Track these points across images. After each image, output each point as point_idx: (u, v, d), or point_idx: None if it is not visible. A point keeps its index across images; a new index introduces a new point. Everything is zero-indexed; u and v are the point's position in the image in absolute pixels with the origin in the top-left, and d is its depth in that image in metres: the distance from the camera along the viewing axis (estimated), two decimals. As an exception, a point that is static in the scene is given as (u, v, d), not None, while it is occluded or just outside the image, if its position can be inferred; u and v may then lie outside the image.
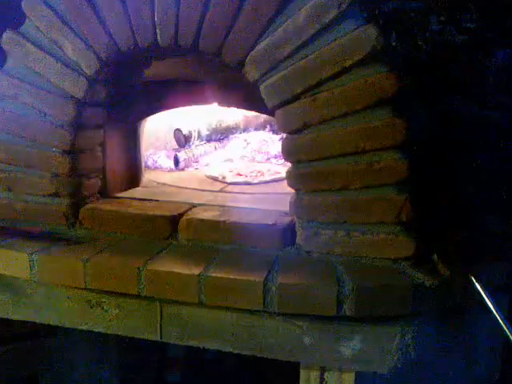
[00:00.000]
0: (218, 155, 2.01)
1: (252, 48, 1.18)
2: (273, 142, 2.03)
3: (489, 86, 1.70)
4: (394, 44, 1.78)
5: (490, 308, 1.11)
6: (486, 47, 1.70)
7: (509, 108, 1.68)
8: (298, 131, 1.19)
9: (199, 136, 1.94)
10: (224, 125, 2.01)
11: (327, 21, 1.12)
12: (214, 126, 1.99)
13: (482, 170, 1.57)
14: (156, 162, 1.88)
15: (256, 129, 2.06)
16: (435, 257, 1.18)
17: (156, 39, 1.24)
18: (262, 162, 1.95)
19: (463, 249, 1.29)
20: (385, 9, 1.74)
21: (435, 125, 1.56)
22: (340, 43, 1.13)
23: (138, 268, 1.17)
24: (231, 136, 2.08)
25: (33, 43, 1.32)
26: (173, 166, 1.84)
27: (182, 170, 1.85)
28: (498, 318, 1.10)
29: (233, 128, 2.03)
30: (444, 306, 1.18)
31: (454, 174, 1.51)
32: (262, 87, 1.20)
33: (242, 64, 1.20)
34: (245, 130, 2.05)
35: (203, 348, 1.26)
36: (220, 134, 2.03)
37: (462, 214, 1.39)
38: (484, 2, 1.67)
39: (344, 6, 1.11)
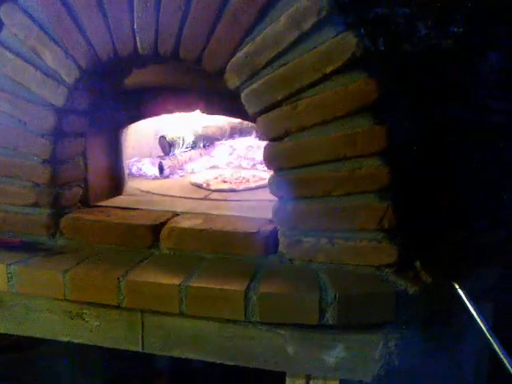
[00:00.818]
0: (204, 162, 2.00)
1: (232, 55, 1.18)
2: (259, 148, 2.02)
3: (479, 88, 1.71)
4: (381, 49, 1.78)
5: (472, 315, 1.10)
6: (474, 51, 1.70)
7: (500, 110, 1.68)
8: (279, 138, 1.19)
9: (184, 143, 1.93)
10: (209, 131, 2.00)
11: (307, 28, 1.12)
12: (199, 133, 1.98)
13: (470, 174, 1.57)
14: (140, 170, 1.87)
15: (242, 135, 2.06)
16: (418, 264, 1.18)
17: (136, 47, 1.24)
18: (247, 169, 1.94)
19: (447, 255, 1.28)
20: (372, 14, 1.75)
21: (423, 130, 1.56)
22: (320, 50, 1.12)
23: (118, 278, 1.16)
24: (217, 142, 2.07)
25: (11, 51, 1.30)
26: (157, 174, 1.83)
27: (167, 177, 1.83)
28: (482, 325, 1.09)
29: (218, 134, 2.02)
30: (428, 313, 1.17)
31: (440, 179, 1.51)
32: (242, 94, 1.19)
33: (222, 71, 1.20)
34: (230, 136, 2.04)
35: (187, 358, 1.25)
36: (205, 141, 2.02)
37: (446, 222, 1.39)
38: (471, 7, 1.68)
39: (324, 13, 1.10)
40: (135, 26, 1.22)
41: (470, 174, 1.56)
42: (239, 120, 1.97)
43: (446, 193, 1.47)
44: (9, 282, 1.22)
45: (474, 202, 1.50)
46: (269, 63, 1.15)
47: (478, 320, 1.10)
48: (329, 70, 1.12)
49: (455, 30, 1.70)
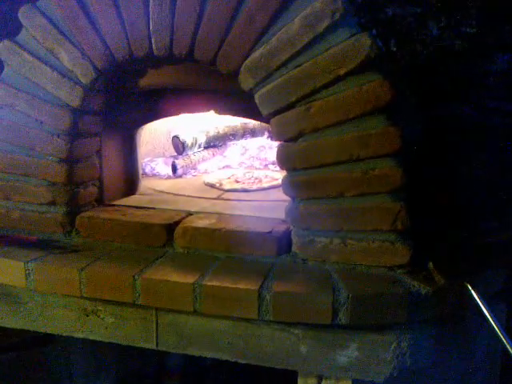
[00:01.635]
0: (216, 162, 2.01)
1: (246, 57, 1.19)
2: (271, 149, 2.03)
3: (489, 90, 1.70)
4: (393, 49, 1.78)
5: (486, 316, 1.10)
6: (485, 52, 1.70)
7: (509, 112, 1.68)
8: (292, 139, 1.19)
9: (197, 143, 1.95)
10: (222, 131, 2.01)
11: (321, 30, 1.12)
12: (212, 133, 1.99)
13: (481, 175, 1.57)
14: (154, 169, 1.88)
15: (254, 135, 2.06)
16: (431, 264, 1.18)
17: (151, 48, 1.25)
18: (260, 169, 1.95)
19: (460, 256, 1.28)
20: (384, 14, 1.75)
21: (430, 130, 1.56)
22: (334, 52, 1.13)
23: (134, 276, 1.17)
24: (229, 142, 2.08)
25: (29, 52, 1.32)
26: (171, 173, 1.85)
27: (180, 177, 1.85)
28: (495, 326, 1.09)
29: (231, 134, 2.03)
30: (440, 314, 1.17)
31: (451, 180, 1.51)
32: (256, 96, 1.20)
33: (236, 73, 1.21)
34: (243, 136, 2.05)
35: (200, 356, 1.26)
36: (218, 141, 2.03)
37: (459, 222, 1.39)
38: (484, 7, 1.68)
39: (338, 15, 1.11)
40: (151, 27, 1.23)
41: (480, 174, 1.56)
42: (251, 120, 1.98)
43: (456, 193, 1.47)
44: (27, 279, 1.24)
45: (486, 203, 1.50)
46: (283, 65, 1.16)
47: (491, 321, 1.10)
48: (343, 71, 1.13)
49: (467, 30, 1.70)
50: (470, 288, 1.14)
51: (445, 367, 1.26)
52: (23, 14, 1.31)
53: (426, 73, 1.70)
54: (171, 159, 1.88)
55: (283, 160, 1.22)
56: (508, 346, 1.07)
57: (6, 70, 1.36)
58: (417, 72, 1.72)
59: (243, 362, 1.22)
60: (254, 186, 1.70)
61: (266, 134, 2.11)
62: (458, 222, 1.36)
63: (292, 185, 1.23)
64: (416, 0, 1.73)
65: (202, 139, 1.96)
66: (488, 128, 1.65)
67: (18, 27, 1.33)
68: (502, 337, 1.08)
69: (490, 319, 1.11)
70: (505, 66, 1.70)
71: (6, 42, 1.34)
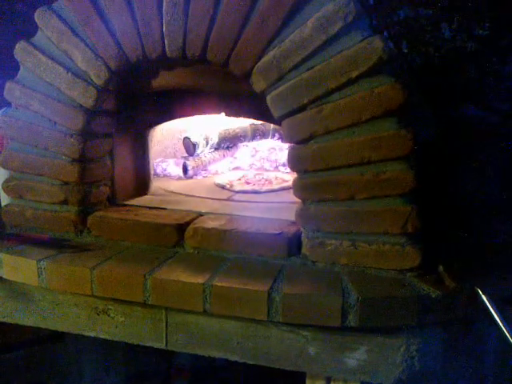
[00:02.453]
0: (227, 163, 2.02)
1: (259, 59, 1.19)
2: (281, 150, 2.03)
3: (502, 93, 1.70)
4: (405, 51, 1.78)
5: (496, 321, 1.10)
6: (499, 54, 1.69)
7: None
8: (304, 141, 1.20)
9: (208, 144, 1.96)
10: (233, 133, 2.02)
11: (334, 32, 1.13)
12: (223, 134, 2.00)
13: (492, 176, 1.56)
14: (165, 170, 1.90)
15: (264, 137, 2.07)
16: (441, 268, 1.18)
17: (164, 50, 1.26)
18: (270, 170, 1.96)
19: (471, 259, 1.28)
20: (396, 17, 1.75)
21: (446, 132, 1.56)
22: (346, 54, 1.13)
23: (144, 276, 1.18)
24: (240, 144, 2.09)
25: (44, 53, 1.34)
26: (181, 174, 1.86)
27: (191, 177, 1.86)
28: (506, 332, 1.09)
29: (241, 136, 2.04)
30: (450, 318, 1.17)
31: (462, 182, 1.50)
32: (268, 98, 1.20)
33: (248, 74, 1.21)
34: (253, 137, 2.06)
35: (209, 356, 1.27)
36: (229, 142, 2.04)
37: (470, 224, 1.39)
38: (497, 9, 1.67)
39: (350, 17, 1.11)
40: (164, 29, 1.24)
41: (492, 176, 1.56)
42: (262, 122, 1.99)
43: (467, 195, 1.47)
44: (39, 277, 1.26)
45: (496, 205, 1.50)
46: (295, 67, 1.17)
47: (501, 326, 1.09)
48: (355, 74, 1.13)
49: (480, 32, 1.69)
50: (481, 292, 1.13)
51: (454, 371, 1.26)
52: (39, 15, 1.32)
53: (438, 75, 1.70)
54: (182, 160, 1.90)
55: (294, 162, 1.23)
56: (518, 352, 1.06)
57: (21, 70, 1.38)
58: (429, 74, 1.72)
59: (252, 362, 1.23)
60: (264, 188, 1.70)
61: (277, 135, 2.12)
62: (469, 224, 1.36)
63: (302, 187, 1.23)
64: (428, 2, 1.73)
65: (213, 140, 1.97)
66: (498, 130, 1.64)
67: (36, 28, 1.35)
68: (511, 340, 1.07)
69: (500, 323, 1.10)
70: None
71: (22, 43, 1.36)
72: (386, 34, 1.74)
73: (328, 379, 1.27)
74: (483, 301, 1.12)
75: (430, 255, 1.19)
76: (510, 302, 1.24)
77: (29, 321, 1.38)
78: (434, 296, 1.11)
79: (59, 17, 1.31)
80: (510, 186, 1.54)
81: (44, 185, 1.41)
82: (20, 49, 1.36)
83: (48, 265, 1.25)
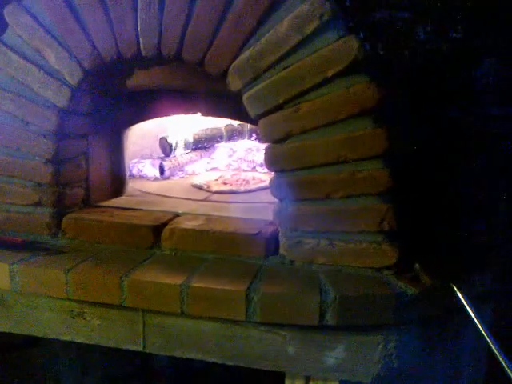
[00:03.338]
0: (204, 164, 2.00)
1: (235, 58, 1.19)
2: (258, 151, 2.03)
3: (475, 93, 1.72)
4: (380, 53, 1.80)
5: (471, 317, 1.11)
6: (472, 56, 1.72)
7: (495, 116, 1.70)
8: (280, 141, 1.20)
9: (185, 144, 1.94)
10: (210, 133, 2.01)
11: (309, 31, 1.13)
12: (199, 135, 1.99)
13: (469, 177, 1.58)
14: (141, 171, 1.87)
15: (242, 137, 2.06)
16: (417, 266, 1.19)
17: (139, 49, 1.25)
18: (247, 171, 1.95)
19: (446, 257, 1.29)
20: (371, 18, 1.76)
21: (422, 133, 1.57)
22: (322, 54, 1.13)
23: (120, 278, 1.17)
24: (217, 144, 2.08)
25: (14, 52, 1.31)
26: (158, 175, 1.84)
27: (167, 178, 1.84)
28: (480, 327, 1.10)
29: (218, 136, 2.03)
30: (427, 315, 1.18)
31: (440, 182, 1.52)
32: (244, 97, 1.20)
33: (225, 74, 1.21)
34: (230, 138, 2.05)
35: (187, 359, 1.25)
36: (206, 143, 2.03)
37: (447, 223, 1.40)
38: (470, 12, 1.70)
39: (326, 17, 1.11)
40: (139, 28, 1.23)
41: (468, 176, 1.58)
42: (239, 122, 1.98)
43: (445, 195, 1.49)
44: (11, 281, 1.23)
45: (473, 204, 1.52)
46: (271, 66, 1.17)
47: (477, 322, 1.11)
48: (330, 73, 1.13)
49: (454, 35, 1.72)
50: (456, 289, 1.15)
51: (431, 368, 1.27)
52: (9, 12, 1.29)
53: (415, 76, 1.72)
54: (159, 161, 1.88)
55: (271, 161, 1.23)
56: (493, 347, 1.08)
57: (-9, 69, 1.35)
58: (406, 75, 1.74)
59: (231, 363, 1.22)
60: (242, 188, 1.70)
61: (254, 136, 2.12)
62: (447, 223, 1.37)
63: (280, 186, 1.23)
64: (403, 5, 1.74)
65: (190, 141, 1.96)
66: (483, 131, 1.67)
67: (3, 26, 1.32)
68: (486, 337, 1.09)
69: (476, 320, 1.11)
70: (492, 70, 1.72)
71: (-8, 41, 1.32)
72: (361, 35, 1.75)
73: (307, 378, 1.27)
74: (459, 298, 1.14)
75: (407, 253, 1.20)
76: (485, 299, 1.26)
77: (3, 326, 1.34)
78: (410, 293, 1.12)
79: (30, 14, 1.28)
80: (490, 187, 1.56)
81: (17, 186, 1.38)
82: (-11, 47, 1.33)
83: (21, 268, 1.23)
